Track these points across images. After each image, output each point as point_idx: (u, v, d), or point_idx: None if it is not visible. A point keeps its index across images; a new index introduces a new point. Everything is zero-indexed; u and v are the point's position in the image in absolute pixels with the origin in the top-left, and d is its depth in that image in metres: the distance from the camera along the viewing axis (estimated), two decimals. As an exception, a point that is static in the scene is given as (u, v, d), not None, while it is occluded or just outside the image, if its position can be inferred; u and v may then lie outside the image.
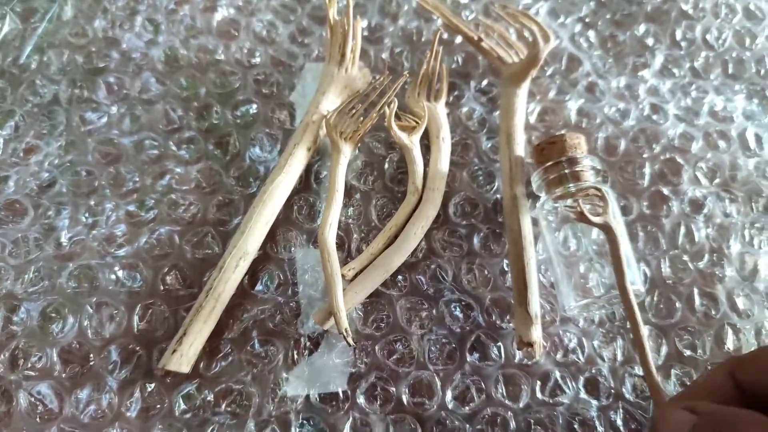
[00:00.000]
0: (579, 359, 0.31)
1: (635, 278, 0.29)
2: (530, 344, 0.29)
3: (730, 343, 0.32)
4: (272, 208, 0.31)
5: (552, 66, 0.40)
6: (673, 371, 0.31)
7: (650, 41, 0.41)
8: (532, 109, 0.38)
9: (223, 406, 0.29)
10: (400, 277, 0.33)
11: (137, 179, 0.34)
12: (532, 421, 0.30)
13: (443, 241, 0.34)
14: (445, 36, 0.40)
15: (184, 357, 0.28)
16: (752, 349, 0.32)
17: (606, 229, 0.28)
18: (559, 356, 0.31)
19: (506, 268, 0.33)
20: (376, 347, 0.31)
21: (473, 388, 0.30)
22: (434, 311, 0.32)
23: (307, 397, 0.30)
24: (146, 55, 0.38)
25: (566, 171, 0.31)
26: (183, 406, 0.29)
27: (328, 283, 0.29)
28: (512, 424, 0.30)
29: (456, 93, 0.38)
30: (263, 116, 0.37)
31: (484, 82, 0.39)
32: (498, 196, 0.35)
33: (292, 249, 0.33)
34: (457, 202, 0.35)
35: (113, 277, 0.31)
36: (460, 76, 0.39)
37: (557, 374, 0.31)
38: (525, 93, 0.36)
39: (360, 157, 0.36)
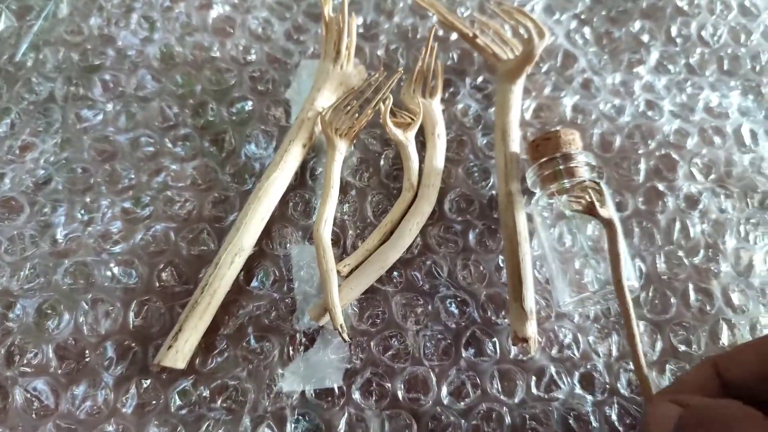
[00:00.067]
0: (574, 355, 0.31)
1: (630, 274, 0.29)
2: (525, 340, 0.29)
3: (725, 339, 0.32)
4: (268, 204, 0.31)
5: (547, 62, 0.40)
6: (667, 366, 0.31)
7: (645, 38, 0.41)
8: (528, 105, 0.38)
9: (219, 402, 0.29)
10: (395, 273, 0.33)
11: (133, 176, 0.34)
12: (527, 416, 0.30)
13: (438, 237, 0.34)
14: (441, 33, 0.40)
15: (179, 353, 0.28)
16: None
17: (608, 223, 0.28)
18: (554, 352, 0.31)
19: (501, 264, 0.33)
20: (372, 343, 0.31)
21: (468, 384, 0.30)
22: (429, 307, 0.32)
23: (303, 392, 0.30)
24: (142, 52, 0.38)
25: (561, 167, 0.31)
26: (179, 402, 0.29)
27: (323, 279, 0.29)
28: (507, 420, 0.30)
29: (451, 89, 0.38)
30: (259, 113, 0.37)
31: (480, 79, 0.39)
32: (493, 192, 0.35)
33: (288, 245, 0.33)
34: (452, 198, 0.35)
35: (109, 273, 0.31)
36: (456, 72, 0.39)
37: (552, 370, 0.31)
38: (520, 89, 0.36)
39: (355, 154, 0.36)
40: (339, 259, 0.32)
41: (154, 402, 0.29)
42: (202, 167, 0.35)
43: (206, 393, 0.29)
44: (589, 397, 0.31)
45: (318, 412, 0.29)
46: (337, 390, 0.30)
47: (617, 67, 0.40)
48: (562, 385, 0.31)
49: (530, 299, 0.30)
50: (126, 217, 0.33)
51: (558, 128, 0.35)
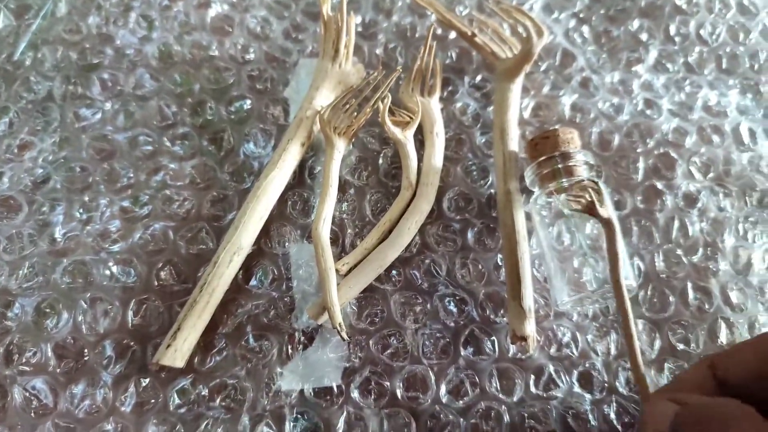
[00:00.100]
0: (572, 353, 0.31)
1: (628, 273, 0.29)
2: (524, 338, 0.29)
3: (723, 337, 0.32)
4: (266, 203, 0.31)
5: (546, 61, 0.40)
6: (666, 365, 0.32)
7: (644, 36, 0.41)
8: (526, 104, 0.38)
9: (218, 401, 0.29)
10: (394, 271, 0.33)
11: (131, 175, 0.34)
12: (525, 414, 0.30)
13: (437, 236, 0.34)
14: (439, 31, 0.40)
15: (178, 352, 0.28)
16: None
17: (607, 221, 0.28)
18: (552, 350, 0.31)
19: (500, 263, 0.33)
20: (370, 342, 0.31)
21: (467, 382, 0.30)
22: (428, 306, 0.32)
23: (302, 391, 0.30)
24: (140, 51, 0.38)
25: (559, 166, 0.31)
26: (177, 401, 0.29)
27: (322, 278, 0.29)
28: (506, 418, 0.30)
29: (450, 88, 0.38)
30: (257, 112, 0.37)
31: (478, 78, 0.39)
32: (492, 191, 0.35)
33: (286, 244, 0.33)
34: (451, 197, 0.35)
35: (107, 272, 0.31)
36: (454, 71, 0.39)
37: (551, 368, 0.31)
38: (519, 88, 0.36)
39: (354, 153, 0.36)
40: (338, 257, 0.32)
41: (152, 401, 0.29)
42: (200, 166, 0.35)
43: (205, 392, 0.29)
44: (588, 396, 0.31)
45: (317, 411, 0.29)
46: (335, 389, 0.30)
47: (616, 66, 0.40)
48: (560, 384, 0.31)
49: (529, 298, 0.30)
50: (125, 215, 0.33)
51: (557, 127, 0.35)
